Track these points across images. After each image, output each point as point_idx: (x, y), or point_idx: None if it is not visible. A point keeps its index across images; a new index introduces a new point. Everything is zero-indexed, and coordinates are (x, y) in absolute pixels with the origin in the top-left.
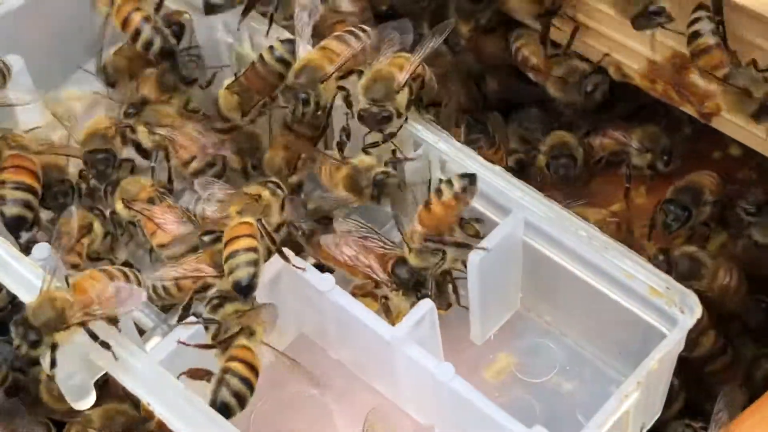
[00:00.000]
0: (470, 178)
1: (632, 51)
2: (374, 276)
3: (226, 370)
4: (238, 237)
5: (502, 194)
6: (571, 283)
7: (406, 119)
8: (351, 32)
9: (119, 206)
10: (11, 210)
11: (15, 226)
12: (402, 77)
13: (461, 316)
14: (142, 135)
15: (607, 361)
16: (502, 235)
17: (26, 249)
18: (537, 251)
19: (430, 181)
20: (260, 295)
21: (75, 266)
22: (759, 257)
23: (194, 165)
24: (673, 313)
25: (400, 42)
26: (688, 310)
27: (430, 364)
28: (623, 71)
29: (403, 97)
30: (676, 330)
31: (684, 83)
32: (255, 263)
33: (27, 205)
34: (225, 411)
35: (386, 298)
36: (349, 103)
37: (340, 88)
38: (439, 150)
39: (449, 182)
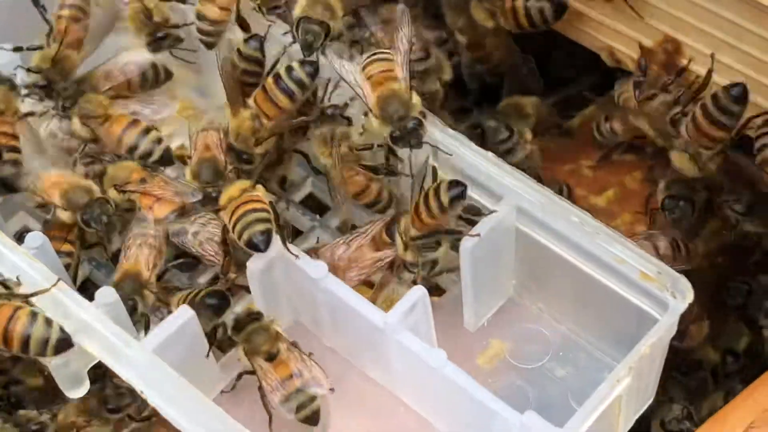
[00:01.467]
0: (459, 190)
1: (625, 36)
2: (386, 262)
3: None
4: (248, 201)
5: (495, 181)
6: (563, 269)
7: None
8: None
9: (113, 193)
10: None
11: None
12: (403, 83)
13: (454, 302)
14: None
15: (600, 346)
16: (495, 221)
17: (19, 238)
18: (529, 237)
19: (424, 172)
20: (254, 284)
21: (69, 254)
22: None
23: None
24: (665, 297)
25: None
26: (680, 295)
27: (423, 350)
28: (616, 56)
29: (415, 98)
30: (667, 315)
31: (675, 67)
32: (268, 221)
33: None
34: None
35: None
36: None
37: None
38: (432, 138)
39: (437, 194)
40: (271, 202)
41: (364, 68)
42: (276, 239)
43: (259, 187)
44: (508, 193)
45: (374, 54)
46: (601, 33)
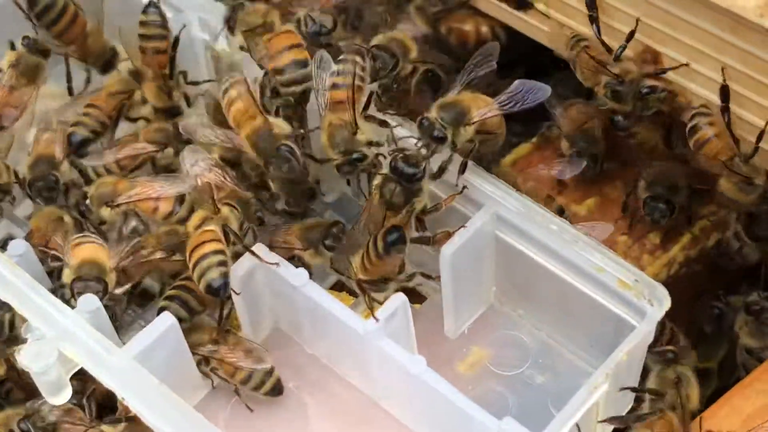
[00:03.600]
0: (395, 236)
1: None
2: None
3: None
4: (203, 243)
5: (474, 188)
6: (542, 277)
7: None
8: None
9: (105, 212)
10: None
11: None
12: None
13: (435, 310)
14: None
15: (579, 353)
16: (474, 229)
17: (2, 246)
18: (509, 245)
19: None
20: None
21: (57, 259)
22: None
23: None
24: (642, 305)
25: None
26: (657, 302)
27: (403, 357)
28: None
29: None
30: (644, 322)
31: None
32: (224, 264)
33: None
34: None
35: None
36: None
37: None
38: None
39: (375, 245)
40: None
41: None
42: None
43: (225, 210)
44: (488, 201)
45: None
46: None
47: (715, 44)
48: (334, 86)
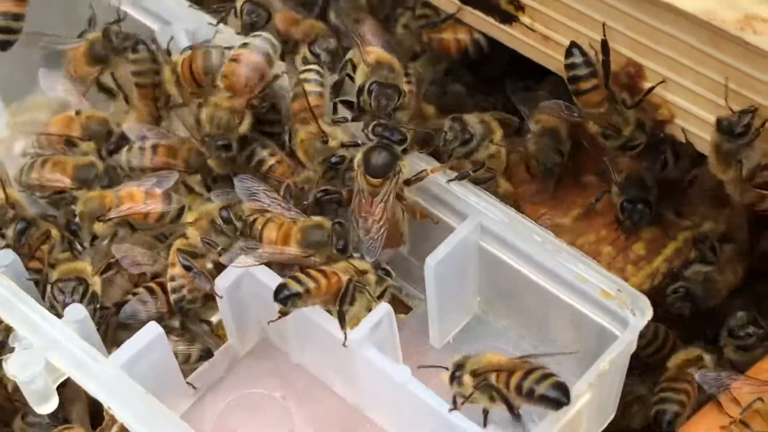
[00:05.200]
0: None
1: None
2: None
3: None
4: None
5: (459, 200)
6: (526, 287)
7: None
8: None
9: (99, 227)
10: None
11: None
12: None
13: (420, 320)
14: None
15: (565, 363)
16: (458, 239)
17: None
18: (493, 256)
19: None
20: (222, 300)
21: (38, 271)
22: None
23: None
24: (625, 315)
25: None
26: (639, 312)
27: (388, 366)
28: None
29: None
30: (627, 332)
31: (638, 90)
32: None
33: None
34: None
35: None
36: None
37: None
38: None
39: None
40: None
41: None
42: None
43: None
44: (472, 212)
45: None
46: None
47: (696, 57)
48: (296, 96)
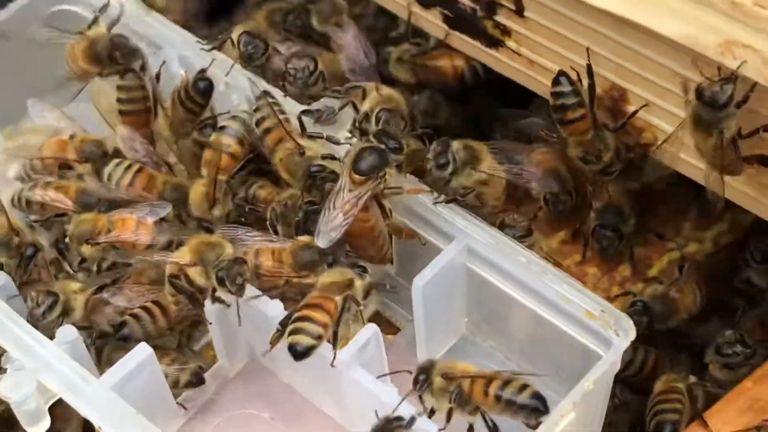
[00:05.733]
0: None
1: None
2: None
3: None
4: None
5: (446, 221)
6: (513, 308)
7: None
8: None
9: (86, 250)
10: None
11: None
12: None
13: (408, 340)
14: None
15: (549, 383)
16: (446, 261)
17: None
18: (480, 277)
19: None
20: (212, 321)
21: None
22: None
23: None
24: (609, 335)
25: None
26: (623, 333)
27: (376, 387)
28: None
29: None
30: (610, 352)
31: (622, 114)
32: None
33: None
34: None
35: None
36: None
37: None
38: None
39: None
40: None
41: None
42: None
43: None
44: (459, 234)
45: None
46: (550, 80)
47: (678, 81)
48: (267, 131)
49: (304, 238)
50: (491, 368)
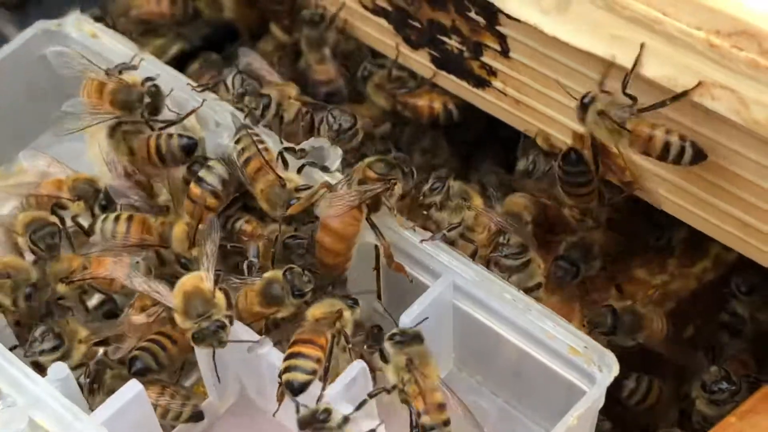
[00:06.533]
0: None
1: (560, 124)
2: None
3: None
4: None
5: (432, 259)
6: (498, 344)
7: None
8: None
9: (62, 288)
10: None
11: None
12: None
13: None
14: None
15: (534, 418)
16: (432, 297)
17: None
18: (466, 313)
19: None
20: (202, 358)
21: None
22: None
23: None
24: (592, 371)
25: None
26: (606, 368)
27: (363, 422)
28: (551, 141)
29: None
30: (594, 387)
31: (606, 153)
32: None
33: None
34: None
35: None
36: None
37: None
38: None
39: None
40: None
41: None
42: None
43: None
44: (445, 271)
45: None
46: (536, 119)
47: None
48: (247, 161)
49: (268, 275)
50: (480, 405)
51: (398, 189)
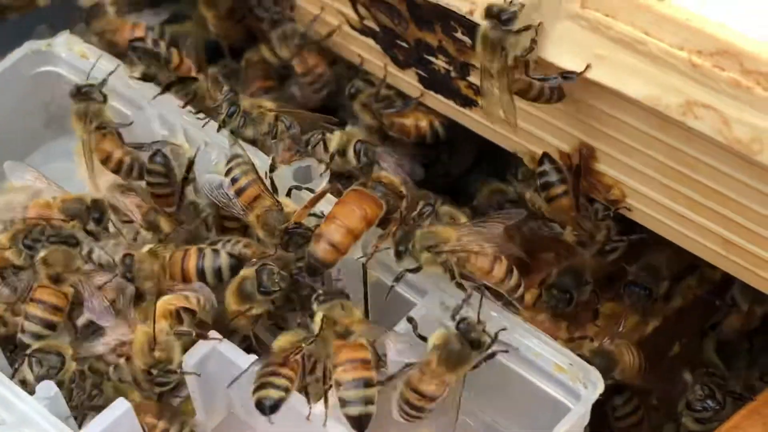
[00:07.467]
0: None
1: (546, 143)
2: None
3: None
4: None
5: (419, 276)
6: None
7: None
8: None
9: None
10: None
11: None
12: None
13: (383, 393)
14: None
15: None
16: (419, 315)
17: None
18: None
19: None
20: (189, 377)
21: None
22: None
23: None
24: (577, 388)
25: None
26: (591, 385)
27: None
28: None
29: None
30: (579, 404)
31: (591, 171)
32: None
33: None
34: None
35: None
36: None
37: None
38: None
39: None
40: None
41: None
42: None
43: None
44: (432, 289)
45: None
46: (523, 138)
47: (644, 140)
48: (241, 190)
49: (243, 272)
50: (466, 422)
51: (402, 206)
